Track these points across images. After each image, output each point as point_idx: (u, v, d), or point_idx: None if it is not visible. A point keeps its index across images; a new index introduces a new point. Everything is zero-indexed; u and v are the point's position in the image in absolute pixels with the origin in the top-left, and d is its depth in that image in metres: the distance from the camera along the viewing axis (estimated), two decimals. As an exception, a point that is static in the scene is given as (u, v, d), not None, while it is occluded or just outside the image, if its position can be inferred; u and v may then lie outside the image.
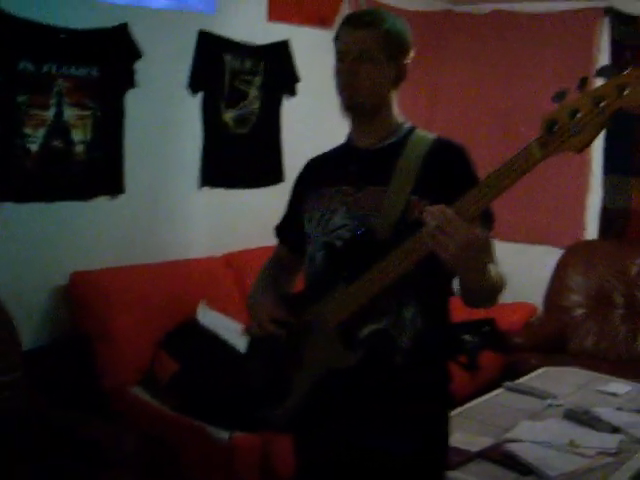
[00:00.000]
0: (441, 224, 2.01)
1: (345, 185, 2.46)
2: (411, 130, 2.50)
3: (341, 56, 2.40)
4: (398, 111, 2.51)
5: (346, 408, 2.40)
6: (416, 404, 2.39)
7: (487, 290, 2.27)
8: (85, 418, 3.80)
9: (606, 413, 3.98)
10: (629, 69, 1.86)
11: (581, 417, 3.92)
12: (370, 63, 2.37)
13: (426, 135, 2.49)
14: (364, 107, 2.42)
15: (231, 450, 3.80)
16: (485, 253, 2.15)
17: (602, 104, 1.86)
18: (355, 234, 2.37)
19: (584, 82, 1.91)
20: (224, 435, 3.83)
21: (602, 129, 1.89)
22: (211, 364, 4.22)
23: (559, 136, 1.93)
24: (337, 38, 2.45)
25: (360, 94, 2.39)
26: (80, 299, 4.34)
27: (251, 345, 2.68)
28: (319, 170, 2.63)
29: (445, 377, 2.51)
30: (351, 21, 2.42)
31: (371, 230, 2.34)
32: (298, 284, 2.73)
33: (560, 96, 1.93)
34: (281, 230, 2.81)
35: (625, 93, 1.83)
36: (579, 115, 1.89)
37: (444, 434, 2.52)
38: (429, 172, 2.36)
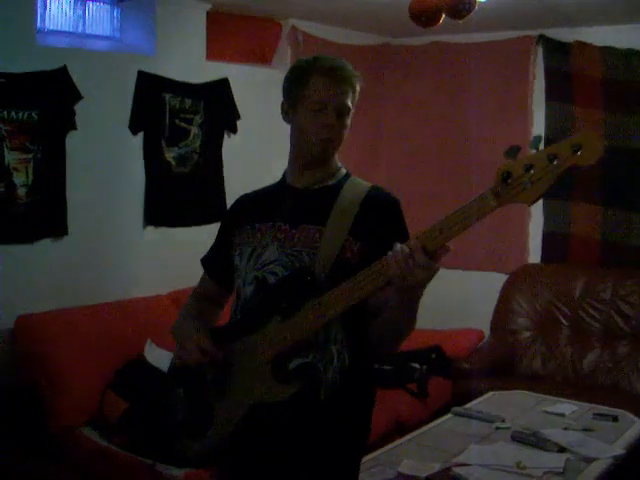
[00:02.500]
0: (413, 252, 2.08)
1: (279, 221, 2.49)
2: (347, 176, 2.57)
3: (320, 107, 2.43)
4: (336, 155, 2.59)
5: (269, 442, 2.42)
6: (333, 443, 2.43)
7: (408, 328, 2.35)
8: (33, 462, 3.78)
9: (553, 434, 4.04)
10: (583, 131, 1.96)
11: (528, 438, 3.97)
12: (348, 116, 2.47)
13: (362, 182, 2.55)
14: (329, 155, 2.51)
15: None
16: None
17: (556, 162, 1.95)
18: (292, 270, 2.40)
19: (537, 143, 2.01)
20: (176, 473, 3.81)
21: (552, 184, 1.98)
22: (159, 402, 4.20)
23: (513, 188, 2.01)
24: (305, 85, 2.45)
25: (335, 145, 2.48)
26: (26, 342, 4.33)
27: (172, 375, 2.67)
28: (251, 207, 2.64)
29: (366, 416, 2.55)
30: (330, 72, 2.44)
31: (307, 267, 2.38)
32: (223, 318, 2.74)
33: (513, 152, 2.02)
34: (208, 263, 2.80)
35: (578, 153, 1.93)
36: (533, 170, 1.98)
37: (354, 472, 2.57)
38: (364, 217, 2.43)
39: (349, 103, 2.45)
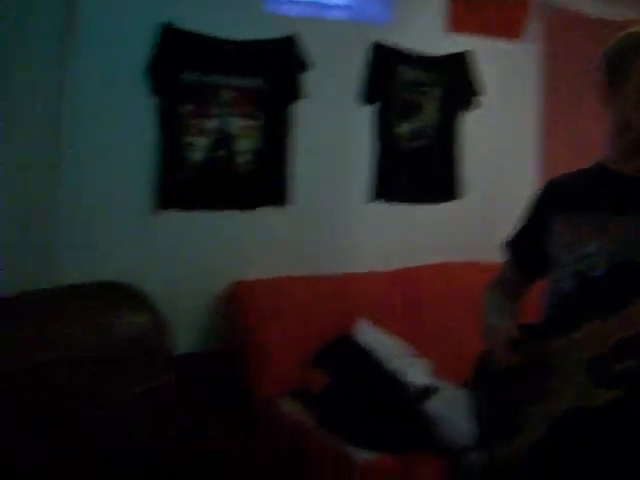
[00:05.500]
0: None
1: (603, 211, 2.28)
2: None
3: None
4: None
5: (587, 452, 2.21)
6: None
7: None
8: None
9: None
10: None
11: None
12: None
13: None
14: None
15: (369, 472, 3.64)
16: None
17: None
18: (620, 263, 2.19)
19: None
20: (364, 455, 3.68)
21: None
22: (363, 382, 4.10)
23: None
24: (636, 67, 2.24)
25: None
26: (237, 308, 4.35)
27: (478, 378, 2.54)
28: (570, 193, 2.42)
29: None
30: None
31: (636, 262, 2.17)
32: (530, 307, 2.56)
33: None
34: (515, 248, 2.62)
35: None
36: None
37: None
38: None
39: None
